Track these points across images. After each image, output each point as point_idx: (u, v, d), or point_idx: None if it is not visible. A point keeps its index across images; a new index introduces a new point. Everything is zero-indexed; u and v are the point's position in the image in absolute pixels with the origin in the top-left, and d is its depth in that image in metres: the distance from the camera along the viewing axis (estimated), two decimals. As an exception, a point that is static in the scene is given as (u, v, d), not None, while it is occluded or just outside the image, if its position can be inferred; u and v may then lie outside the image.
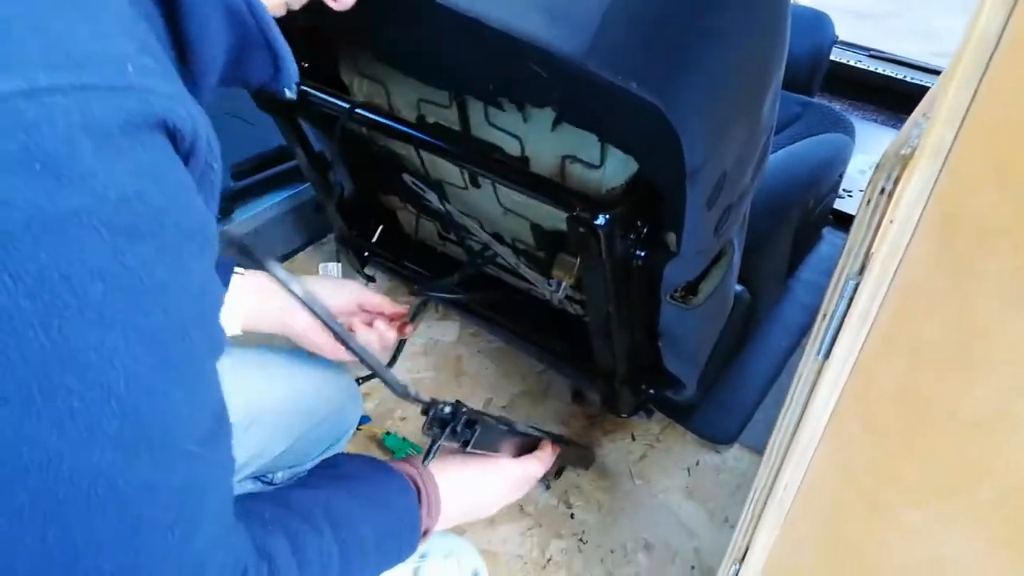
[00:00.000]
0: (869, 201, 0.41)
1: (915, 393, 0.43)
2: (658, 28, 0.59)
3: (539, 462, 0.78)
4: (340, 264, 1.04)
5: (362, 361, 0.56)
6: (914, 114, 0.46)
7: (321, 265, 1.02)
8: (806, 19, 1.74)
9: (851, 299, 0.43)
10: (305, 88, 0.91)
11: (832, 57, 2.02)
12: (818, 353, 0.46)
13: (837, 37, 1.82)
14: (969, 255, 0.37)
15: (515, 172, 0.81)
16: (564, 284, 0.92)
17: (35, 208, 0.30)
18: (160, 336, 0.35)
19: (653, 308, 0.91)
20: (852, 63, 2.27)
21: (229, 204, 1.29)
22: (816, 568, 0.57)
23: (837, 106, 2.10)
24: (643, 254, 0.79)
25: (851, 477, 0.50)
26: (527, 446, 0.83)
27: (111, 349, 0.33)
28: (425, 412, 0.66)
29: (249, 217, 1.32)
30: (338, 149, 1.08)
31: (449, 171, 0.97)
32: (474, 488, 0.71)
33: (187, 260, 0.36)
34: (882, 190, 0.39)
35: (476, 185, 0.97)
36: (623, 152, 0.72)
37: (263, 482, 0.96)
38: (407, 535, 0.63)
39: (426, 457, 0.68)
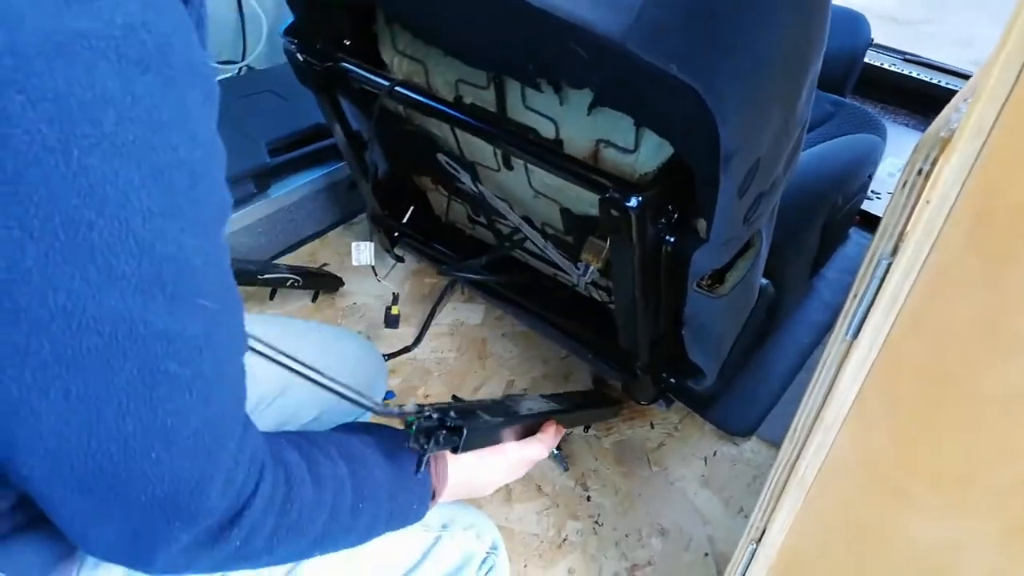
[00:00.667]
0: (905, 183, 0.41)
1: (941, 374, 0.44)
2: (700, 11, 0.60)
3: (541, 444, 0.79)
4: (372, 244, 1.06)
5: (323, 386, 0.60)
6: (954, 100, 0.46)
7: (354, 244, 1.04)
8: (842, 19, 1.73)
9: (882, 280, 0.43)
10: (346, 65, 0.93)
11: (866, 60, 2.00)
12: (846, 333, 0.47)
13: (873, 39, 1.81)
14: (1004, 237, 0.38)
15: (550, 153, 0.82)
16: (592, 268, 0.93)
17: (46, 28, 0.30)
18: (170, 176, 0.35)
19: (679, 296, 0.92)
20: (887, 66, 2.25)
21: (266, 180, 1.31)
22: (832, 549, 0.57)
23: (870, 108, 2.09)
24: (673, 239, 0.80)
25: (872, 458, 0.50)
26: (533, 427, 0.84)
27: (126, 182, 0.33)
28: (408, 426, 0.65)
29: (284, 193, 1.34)
30: (375, 128, 1.10)
31: (483, 153, 0.99)
32: (474, 468, 0.72)
33: (192, 105, 0.36)
34: (920, 171, 0.40)
35: (509, 167, 0.98)
36: (659, 135, 0.73)
37: None
38: (418, 491, 0.63)
39: (417, 470, 0.67)
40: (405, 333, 1.24)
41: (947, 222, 0.39)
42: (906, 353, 0.45)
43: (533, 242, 1.08)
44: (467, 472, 0.70)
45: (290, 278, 0.79)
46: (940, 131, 0.40)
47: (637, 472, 1.06)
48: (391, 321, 1.12)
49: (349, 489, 0.56)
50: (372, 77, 0.92)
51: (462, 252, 1.24)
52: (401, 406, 0.66)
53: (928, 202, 0.40)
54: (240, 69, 1.66)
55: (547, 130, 0.85)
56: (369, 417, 1.02)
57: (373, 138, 1.12)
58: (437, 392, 1.16)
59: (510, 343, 1.24)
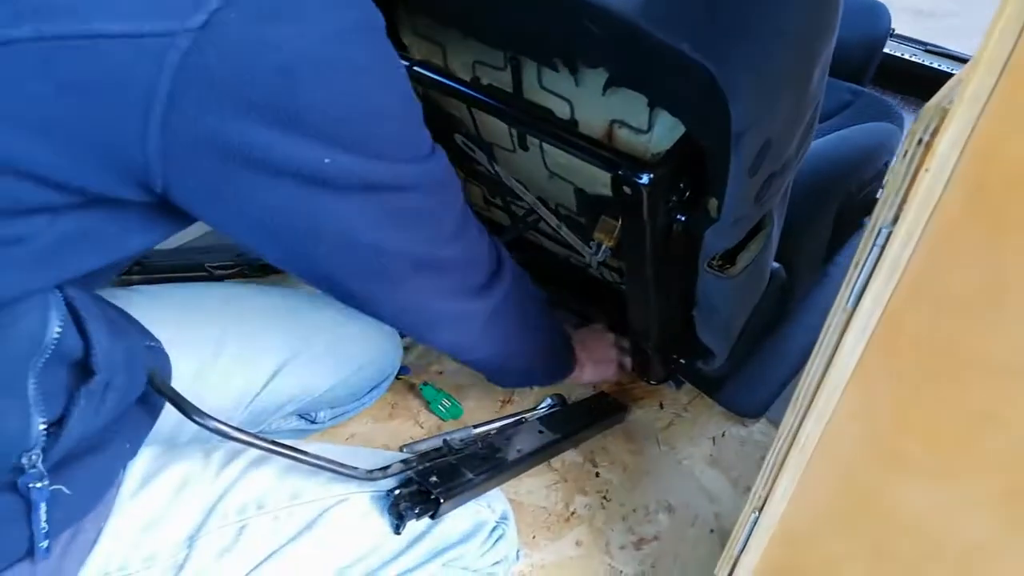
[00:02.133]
0: (906, 153, 0.43)
1: (940, 341, 0.46)
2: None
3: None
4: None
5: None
6: (959, 73, 0.47)
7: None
8: (861, 8, 1.73)
9: (883, 248, 0.45)
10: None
11: (887, 51, 1.99)
12: (847, 302, 0.48)
13: (893, 29, 1.80)
14: (1002, 204, 0.39)
15: (564, 132, 0.84)
16: (604, 247, 0.95)
17: None
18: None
19: (690, 276, 0.93)
20: (908, 57, 2.24)
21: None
22: (832, 515, 0.59)
23: (889, 99, 2.08)
24: (684, 218, 0.82)
25: (872, 425, 0.52)
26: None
27: None
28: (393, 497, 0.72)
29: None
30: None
31: (499, 133, 1.00)
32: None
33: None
34: (919, 141, 0.41)
35: (524, 148, 0.99)
36: (671, 114, 0.74)
37: (307, 420, 1.01)
38: (561, 341, 0.98)
39: (396, 532, 0.71)
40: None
41: (946, 190, 0.41)
42: (906, 321, 0.46)
43: (547, 223, 1.10)
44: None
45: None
46: (942, 101, 0.41)
47: (646, 450, 1.08)
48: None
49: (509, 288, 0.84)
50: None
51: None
52: (385, 469, 0.71)
53: (927, 171, 0.41)
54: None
55: (562, 110, 0.87)
56: (386, 390, 1.05)
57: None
58: (450, 368, 1.18)
59: (523, 323, 1.26)
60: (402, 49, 1.00)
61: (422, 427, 1.08)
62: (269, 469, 0.68)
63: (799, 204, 1.02)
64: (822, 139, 1.36)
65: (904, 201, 0.43)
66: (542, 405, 1.10)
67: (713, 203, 0.79)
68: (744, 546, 0.66)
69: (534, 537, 0.95)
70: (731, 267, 0.92)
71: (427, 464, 0.76)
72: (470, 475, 0.78)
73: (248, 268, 0.76)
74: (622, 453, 1.08)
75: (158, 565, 0.60)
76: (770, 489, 0.61)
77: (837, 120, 1.48)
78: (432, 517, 0.73)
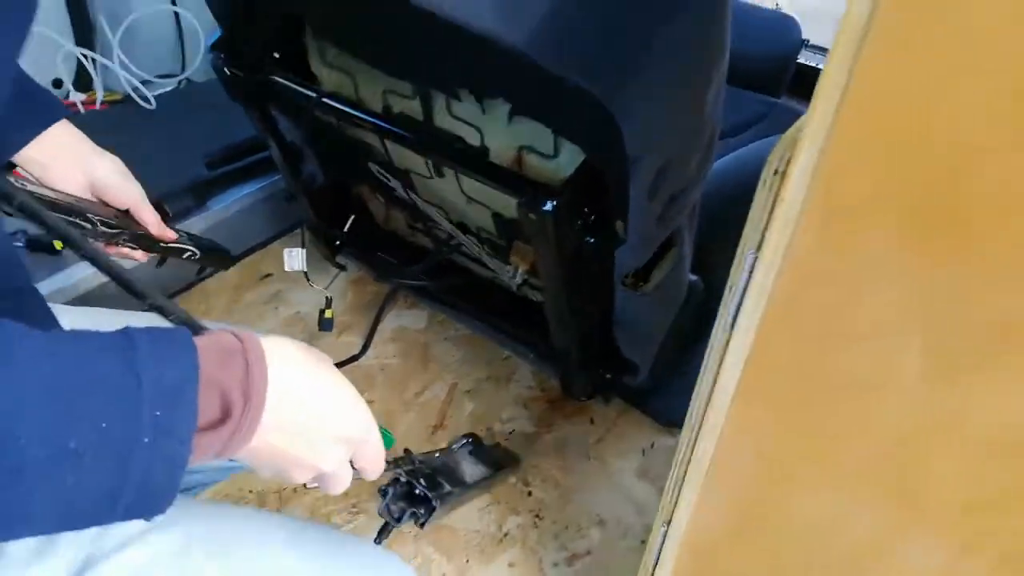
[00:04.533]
0: (765, 181, 0.45)
1: (807, 361, 0.48)
2: (601, 22, 0.63)
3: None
4: (304, 250, 1.08)
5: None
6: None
7: (286, 251, 1.06)
8: (772, 22, 1.79)
9: (751, 272, 0.47)
10: (274, 77, 0.95)
11: (803, 61, 2.07)
12: (726, 323, 0.51)
13: (807, 40, 1.87)
14: (842, 235, 0.42)
15: (469, 159, 0.85)
16: (520, 270, 0.96)
17: None
18: None
19: (607, 294, 0.95)
20: (823, 67, 2.32)
21: (204, 193, 1.32)
22: (732, 527, 0.61)
23: (804, 110, 2.16)
24: (592, 240, 0.83)
25: (757, 440, 0.54)
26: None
27: None
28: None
29: (223, 206, 1.35)
30: (308, 139, 1.12)
31: (414, 160, 1.01)
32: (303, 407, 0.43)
33: None
34: (776, 171, 0.44)
35: (440, 174, 1.01)
36: (570, 140, 0.76)
37: None
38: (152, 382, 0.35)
39: (379, 538, 0.69)
40: (350, 342, 1.25)
41: (799, 220, 0.43)
42: (775, 342, 0.48)
43: (468, 247, 1.11)
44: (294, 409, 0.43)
45: (188, 249, 0.78)
46: (796, 133, 0.44)
47: (577, 466, 1.10)
48: (325, 325, 1.14)
49: None
50: (299, 89, 0.94)
51: (403, 259, 1.26)
52: None
53: (783, 200, 0.43)
54: (180, 83, 1.66)
55: (473, 138, 0.88)
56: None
57: (307, 149, 1.14)
58: (381, 396, 1.18)
59: (453, 347, 1.27)
60: (312, 80, 1.00)
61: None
62: None
63: (713, 217, 1.04)
64: (733, 154, 1.40)
65: (766, 228, 0.45)
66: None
67: (620, 224, 0.81)
68: (657, 559, 0.68)
69: (467, 561, 0.96)
70: (645, 284, 0.95)
71: (410, 468, 0.75)
72: (448, 487, 0.78)
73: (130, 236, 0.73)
74: (554, 470, 1.09)
75: None
76: (675, 503, 0.63)
77: (751, 133, 1.53)
78: (422, 525, 0.72)
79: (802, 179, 0.42)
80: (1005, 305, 0.39)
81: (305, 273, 1.08)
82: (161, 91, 1.59)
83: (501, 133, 0.85)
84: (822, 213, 0.42)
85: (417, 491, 0.72)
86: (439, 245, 1.19)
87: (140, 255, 0.78)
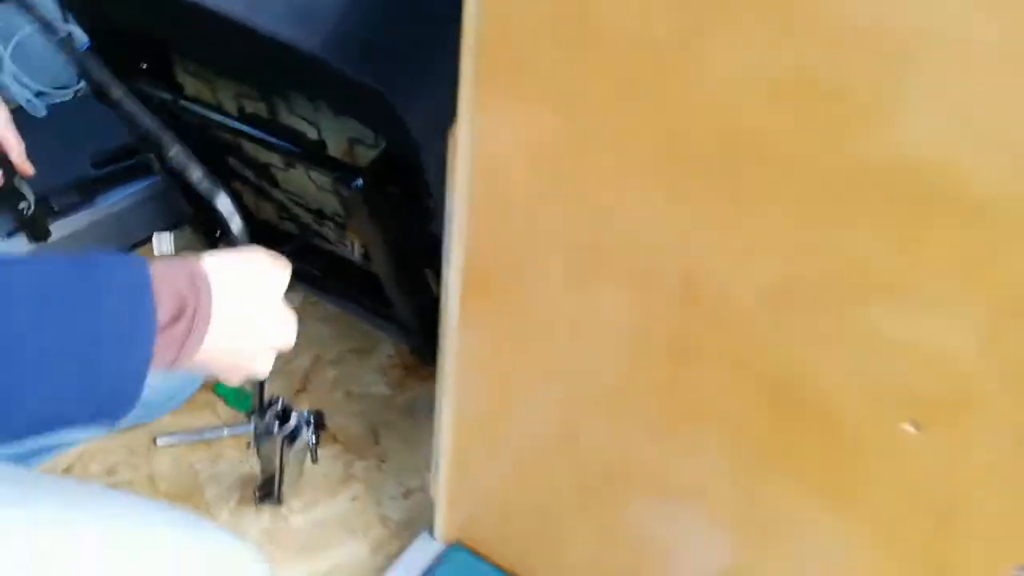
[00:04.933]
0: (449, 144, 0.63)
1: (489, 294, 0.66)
2: (383, 27, 0.80)
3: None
4: (172, 234, 1.22)
5: None
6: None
7: (155, 235, 1.19)
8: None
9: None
10: (139, 85, 1.10)
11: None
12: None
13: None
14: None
15: (308, 152, 1.01)
16: (357, 245, 1.13)
17: None
18: None
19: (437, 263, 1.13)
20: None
21: (90, 190, 1.44)
22: (480, 444, 0.78)
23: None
24: (407, 215, 1.01)
25: (481, 357, 0.72)
26: None
27: None
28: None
29: (111, 203, 1.47)
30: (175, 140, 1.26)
31: (269, 155, 1.17)
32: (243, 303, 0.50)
33: None
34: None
35: (292, 166, 1.16)
36: (371, 130, 0.93)
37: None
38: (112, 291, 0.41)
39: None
40: None
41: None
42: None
43: (319, 229, 1.27)
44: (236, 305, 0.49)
45: (24, 199, 0.84)
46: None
47: (425, 422, 1.25)
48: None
49: None
50: (161, 95, 1.08)
51: (275, 245, 1.40)
52: None
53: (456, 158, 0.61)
54: (75, 93, 1.77)
55: (312, 133, 1.05)
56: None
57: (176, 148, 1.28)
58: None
59: (322, 323, 1.42)
60: (178, 88, 1.15)
61: (219, 417, 1.21)
62: None
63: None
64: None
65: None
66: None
67: (432, 201, 0.98)
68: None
69: (314, 497, 1.11)
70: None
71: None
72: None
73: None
74: (404, 426, 1.25)
75: None
76: (440, 428, 0.80)
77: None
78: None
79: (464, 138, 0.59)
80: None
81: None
82: (55, 102, 1.70)
83: (333, 128, 1.02)
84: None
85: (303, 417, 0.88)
86: (302, 231, 1.34)
87: None
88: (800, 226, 0.47)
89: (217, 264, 0.48)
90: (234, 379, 0.52)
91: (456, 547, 0.92)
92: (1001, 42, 0.36)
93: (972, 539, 0.51)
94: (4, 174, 0.79)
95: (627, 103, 0.49)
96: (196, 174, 0.61)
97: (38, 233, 0.98)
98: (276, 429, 0.86)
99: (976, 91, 0.38)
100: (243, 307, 0.50)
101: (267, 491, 1.02)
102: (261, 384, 0.67)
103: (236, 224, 0.66)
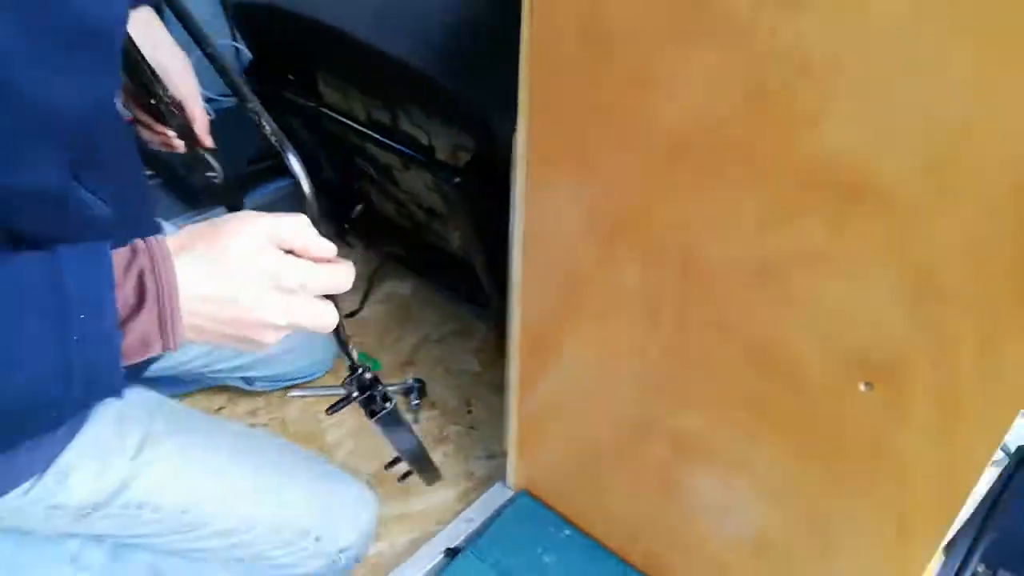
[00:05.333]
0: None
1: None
2: (486, 58, 0.97)
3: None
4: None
5: None
6: None
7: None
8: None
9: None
10: (286, 94, 1.33)
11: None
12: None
13: None
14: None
15: (420, 156, 1.20)
16: (456, 238, 1.30)
17: None
18: None
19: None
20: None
21: (245, 182, 1.71)
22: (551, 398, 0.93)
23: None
24: (496, 210, 1.16)
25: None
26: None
27: None
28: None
29: (261, 196, 1.74)
30: (318, 142, 1.49)
31: (390, 158, 1.37)
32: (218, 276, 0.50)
33: None
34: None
35: (408, 168, 1.36)
36: (470, 136, 1.10)
37: (246, 382, 1.33)
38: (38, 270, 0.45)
39: (333, 408, 0.72)
40: (351, 301, 1.61)
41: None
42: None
43: (431, 224, 1.46)
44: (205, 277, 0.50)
45: (213, 169, 0.87)
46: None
47: (512, 398, 1.41)
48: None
49: None
50: (305, 103, 1.31)
51: (393, 237, 1.62)
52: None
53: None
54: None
55: (424, 139, 1.23)
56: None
57: (318, 150, 1.51)
58: (369, 341, 1.52)
59: (430, 309, 1.61)
60: (318, 97, 1.37)
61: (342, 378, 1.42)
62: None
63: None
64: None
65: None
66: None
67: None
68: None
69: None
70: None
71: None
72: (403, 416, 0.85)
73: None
74: (493, 400, 1.40)
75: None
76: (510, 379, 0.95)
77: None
78: (372, 416, 0.75)
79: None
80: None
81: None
82: (225, 106, 2.03)
83: (441, 135, 1.20)
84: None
85: (379, 390, 0.79)
86: (415, 227, 1.54)
87: (179, 144, 0.88)
88: (765, 210, 0.58)
89: (177, 242, 0.50)
90: (266, 337, 0.53)
91: (523, 494, 1.07)
92: (905, 62, 0.47)
93: (926, 487, 0.60)
94: (187, 144, 0.87)
95: (636, 108, 0.63)
96: (290, 155, 0.67)
97: (233, 201, 1.17)
98: (356, 393, 0.79)
99: (886, 103, 0.49)
100: (215, 274, 0.50)
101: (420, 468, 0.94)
102: (348, 354, 0.69)
103: (306, 185, 0.66)
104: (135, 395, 0.88)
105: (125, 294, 0.47)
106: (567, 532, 1.01)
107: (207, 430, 0.91)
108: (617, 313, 0.77)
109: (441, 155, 1.22)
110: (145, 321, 0.47)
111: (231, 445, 0.91)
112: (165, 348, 0.49)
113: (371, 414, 0.73)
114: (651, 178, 0.66)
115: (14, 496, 0.78)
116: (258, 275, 0.51)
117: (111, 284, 0.46)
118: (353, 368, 0.71)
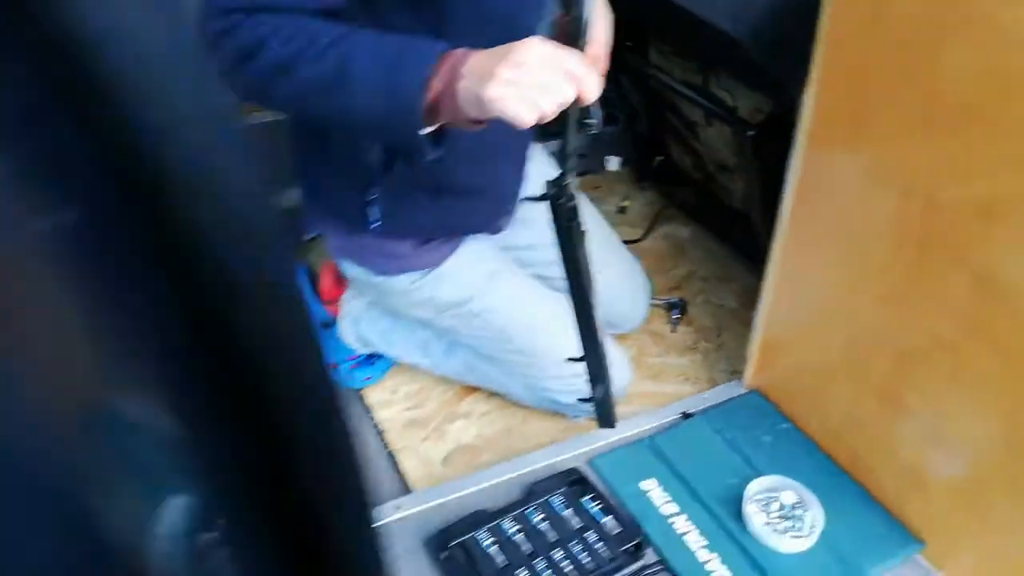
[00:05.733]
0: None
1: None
2: (780, 21, 1.21)
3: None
4: (619, 158, 1.80)
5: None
6: None
7: (606, 158, 1.78)
8: None
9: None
10: (624, 58, 1.66)
11: None
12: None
13: None
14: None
15: (723, 114, 1.47)
16: (741, 189, 1.55)
17: None
18: None
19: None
20: None
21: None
22: (802, 323, 1.16)
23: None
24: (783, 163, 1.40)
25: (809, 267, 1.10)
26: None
27: None
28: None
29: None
30: (639, 97, 1.82)
31: (696, 113, 1.65)
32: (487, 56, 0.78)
33: None
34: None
35: (711, 124, 1.63)
36: (767, 96, 1.34)
37: None
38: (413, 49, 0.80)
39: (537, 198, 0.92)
40: (635, 232, 1.93)
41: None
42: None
43: (720, 177, 1.72)
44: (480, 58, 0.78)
45: (590, 121, 0.87)
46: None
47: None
48: (620, 210, 1.86)
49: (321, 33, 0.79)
50: (637, 61, 1.63)
51: (685, 186, 1.91)
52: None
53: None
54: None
55: (729, 100, 1.50)
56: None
57: (640, 108, 1.84)
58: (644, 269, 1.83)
59: (702, 251, 1.87)
60: (649, 64, 1.69)
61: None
62: None
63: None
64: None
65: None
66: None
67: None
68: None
69: (667, 352, 1.58)
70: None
71: None
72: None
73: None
74: (743, 332, 1.64)
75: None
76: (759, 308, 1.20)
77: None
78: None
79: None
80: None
81: (619, 172, 1.80)
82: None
83: (744, 96, 1.46)
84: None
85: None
86: (705, 179, 1.81)
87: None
88: (1002, 154, 0.78)
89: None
90: (544, 102, 0.75)
91: (754, 391, 1.32)
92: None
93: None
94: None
95: (912, 83, 0.85)
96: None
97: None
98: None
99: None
100: (497, 52, 0.76)
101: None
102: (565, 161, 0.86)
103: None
104: (488, 249, 1.28)
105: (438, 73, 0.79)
106: (785, 425, 1.24)
107: (534, 285, 1.31)
108: (869, 243, 0.99)
109: (742, 114, 1.47)
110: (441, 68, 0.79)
111: (555, 298, 1.27)
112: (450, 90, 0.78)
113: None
114: (911, 137, 0.87)
115: (407, 278, 1.22)
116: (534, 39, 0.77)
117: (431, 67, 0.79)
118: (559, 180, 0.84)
